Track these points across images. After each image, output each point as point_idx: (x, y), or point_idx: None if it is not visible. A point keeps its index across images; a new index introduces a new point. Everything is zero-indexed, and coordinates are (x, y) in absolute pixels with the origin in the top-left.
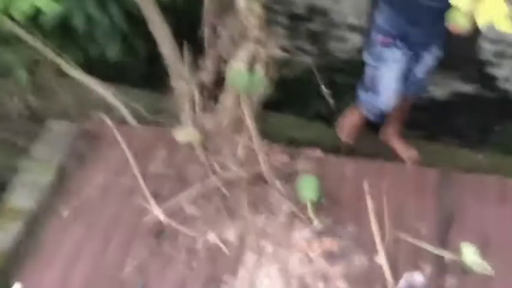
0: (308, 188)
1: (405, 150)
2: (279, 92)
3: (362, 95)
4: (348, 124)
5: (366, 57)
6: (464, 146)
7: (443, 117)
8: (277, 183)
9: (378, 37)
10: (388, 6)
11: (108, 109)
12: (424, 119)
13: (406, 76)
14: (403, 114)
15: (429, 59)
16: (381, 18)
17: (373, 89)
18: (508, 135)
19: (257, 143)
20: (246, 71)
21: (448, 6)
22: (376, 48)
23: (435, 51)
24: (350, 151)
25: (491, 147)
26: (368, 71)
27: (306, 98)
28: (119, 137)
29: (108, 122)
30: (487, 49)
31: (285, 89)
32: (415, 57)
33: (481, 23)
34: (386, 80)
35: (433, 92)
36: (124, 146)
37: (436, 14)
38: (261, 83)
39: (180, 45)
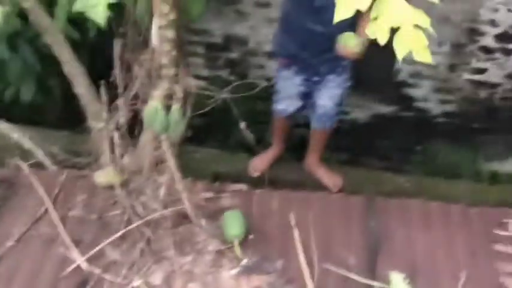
0: (233, 225)
1: (329, 178)
2: (201, 124)
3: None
4: (260, 158)
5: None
6: (388, 167)
7: (366, 140)
8: (203, 222)
9: (277, 58)
10: (281, 30)
11: (25, 153)
12: (346, 142)
13: (312, 106)
14: (320, 144)
15: (333, 85)
16: (277, 42)
17: (276, 95)
18: (429, 154)
19: (179, 182)
20: (162, 110)
21: (337, 31)
22: (277, 66)
23: (340, 78)
24: (275, 182)
25: (414, 167)
26: (275, 78)
27: (228, 128)
28: (36, 183)
29: (24, 167)
30: (403, 70)
31: (207, 120)
32: (313, 82)
33: (400, 53)
34: (284, 92)
35: (354, 114)
36: (42, 192)
37: (324, 38)
38: (178, 122)
39: (96, 84)
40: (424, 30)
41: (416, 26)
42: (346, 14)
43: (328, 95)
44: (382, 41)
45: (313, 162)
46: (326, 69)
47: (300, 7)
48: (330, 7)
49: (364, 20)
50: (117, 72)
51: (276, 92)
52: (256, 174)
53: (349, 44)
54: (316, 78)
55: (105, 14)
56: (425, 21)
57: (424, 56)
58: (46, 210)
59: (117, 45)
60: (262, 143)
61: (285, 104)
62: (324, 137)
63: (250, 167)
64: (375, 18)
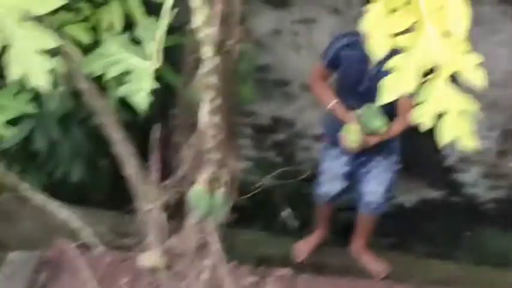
0: None
1: (375, 264)
2: (247, 206)
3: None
4: (303, 243)
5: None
6: (436, 253)
7: (413, 225)
8: None
9: (325, 136)
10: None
11: (72, 233)
12: (393, 226)
13: (358, 191)
14: (367, 229)
15: (381, 169)
16: (325, 122)
17: (319, 177)
18: (478, 240)
19: (223, 265)
20: (207, 193)
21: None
22: (324, 144)
23: (387, 160)
24: (319, 267)
25: (462, 253)
26: (320, 159)
27: (274, 211)
28: (82, 264)
29: (71, 248)
30: (452, 155)
31: (253, 202)
32: (360, 162)
33: (444, 140)
34: (328, 172)
35: (401, 198)
36: (86, 273)
37: None
38: (222, 205)
39: (146, 164)
40: (471, 116)
41: (463, 112)
42: (390, 97)
43: (377, 181)
44: (428, 125)
45: (359, 248)
46: (372, 149)
47: (347, 91)
48: (374, 91)
49: (403, 108)
50: (156, 157)
51: (320, 173)
52: (299, 259)
53: (348, 137)
54: (362, 158)
55: (148, 99)
56: (473, 107)
57: (470, 142)
58: None
59: (157, 130)
60: (307, 226)
61: (328, 186)
62: (372, 223)
63: (294, 252)
64: (422, 103)
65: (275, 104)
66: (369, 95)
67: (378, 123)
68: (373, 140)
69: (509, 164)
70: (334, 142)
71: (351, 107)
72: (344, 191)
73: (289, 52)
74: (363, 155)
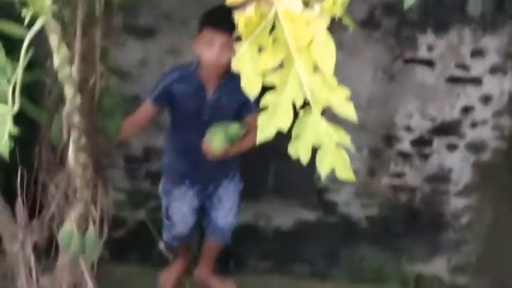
0: None
1: (222, 286)
2: (122, 240)
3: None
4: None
5: (160, 191)
6: (315, 273)
7: (291, 246)
8: None
9: (166, 177)
10: (170, 153)
11: None
12: (271, 248)
13: (208, 219)
14: (215, 256)
15: (229, 195)
16: (168, 165)
17: (169, 220)
18: (354, 258)
19: None
20: (77, 232)
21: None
22: (165, 186)
23: (233, 182)
24: None
25: (340, 272)
26: (163, 203)
27: (150, 243)
28: None
29: None
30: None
31: (128, 235)
32: (209, 192)
33: (323, 172)
34: (178, 213)
35: (277, 220)
36: None
37: (201, 148)
38: (94, 243)
39: (13, 203)
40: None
41: (338, 145)
42: (269, 134)
43: (228, 205)
44: (305, 159)
45: (205, 274)
46: (220, 175)
47: (188, 125)
48: (217, 119)
49: (250, 126)
50: (22, 197)
51: (168, 217)
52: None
53: (213, 145)
54: (210, 188)
55: (8, 145)
56: (346, 139)
57: (346, 173)
58: None
59: (22, 170)
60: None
61: (180, 227)
62: (220, 249)
63: (159, 284)
64: (297, 137)
65: (147, 134)
66: (212, 124)
67: (219, 145)
68: (233, 151)
69: (381, 183)
70: (181, 178)
71: (194, 139)
72: (195, 227)
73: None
74: (212, 182)
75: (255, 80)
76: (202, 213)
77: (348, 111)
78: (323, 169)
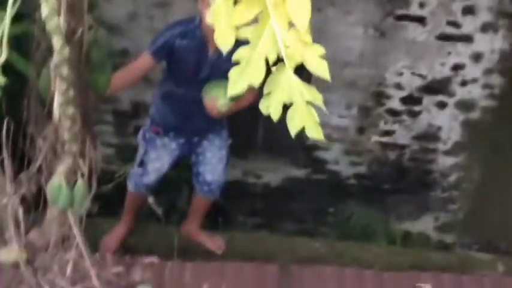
0: None
1: (210, 241)
2: (110, 194)
3: (132, 170)
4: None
5: (139, 138)
6: (303, 230)
7: (280, 203)
8: None
9: (151, 126)
10: (162, 104)
11: None
12: (261, 206)
13: (196, 174)
14: (203, 211)
15: (215, 150)
16: (153, 110)
17: (142, 167)
18: (342, 215)
19: (88, 257)
20: (65, 186)
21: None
22: (148, 134)
23: (219, 137)
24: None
25: (328, 229)
26: (140, 150)
27: None
28: None
29: None
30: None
31: (116, 190)
32: (193, 143)
33: (293, 129)
34: (155, 163)
35: (267, 178)
36: None
37: (194, 103)
38: (83, 197)
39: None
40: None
41: (309, 103)
42: (238, 89)
43: (215, 159)
44: (275, 116)
45: (193, 229)
46: (207, 128)
47: (184, 80)
48: (214, 77)
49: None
50: (8, 150)
51: (142, 163)
52: (109, 251)
53: (218, 101)
54: (195, 139)
55: None
56: (317, 98)
57: (315, 132)
58: None
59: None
60: (173, 211)
61: (152, 176)
62: (209, 205)
63: (101, 247)
64: (268, 94)
65: (135, 89)
66: (210, 80)
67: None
68: (234, 108)
69: (370, 140)
70: (167, 130)
71: (189, 94)
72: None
73: (146, 36)
74: (197, 135)
75: (229, 33)
76: (190, 170)
77: (321, 69)
78: (293, 127)
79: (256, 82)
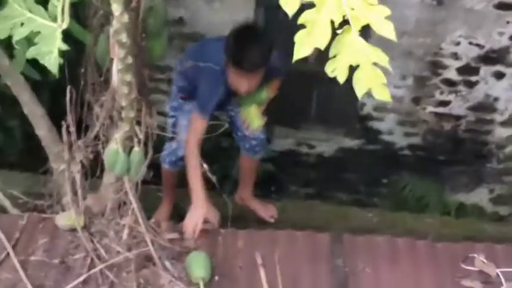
0: (198, 267)
1: (263, 209)
2: None
3: (165, 151)
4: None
5: (168, 111)
6: (356, 201)
7: (333, 173)
8: (167, 264)
9: (178, 93)
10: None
11: None
12: (314, 176)
13: (236, 131)
14: (253, 175)
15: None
16: (179, 79)
17: (175, 140)
18: (396, 186)
19: (143, 223)
20: (122, 152)
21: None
22: (176, 102)
23: None
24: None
25: (381, 200)
26: (169, 123)
27: None
28: None
29: None
30: (368, 104)
31: None
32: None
33: (359, 92)
34: (186, 127)
35: (320, 148)
36: (2, 236)
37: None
38: (139, 163)
39: (59, 124)
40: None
41: (375, 64)
42: (305, 52)
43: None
44: (341, 79)
45: (246, 196)
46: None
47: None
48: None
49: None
50: (68, 116)
51: (172, 138)
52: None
53: (253, 122)
54: (230, 107)
55: (58, 61)
56: (383, 59)
57: (383, 94)
58: (7, 255)
59: (69, 90)
60: (226, 180)
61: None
62: (256, 167)
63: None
64: (334, 56)
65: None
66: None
67: (257, 123)
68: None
69: (425, 111)
70: (192, 95)
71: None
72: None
73: (202, 5)
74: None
75: None
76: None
77: (387, 30)
78: (359, 89)
79: (322, 45)
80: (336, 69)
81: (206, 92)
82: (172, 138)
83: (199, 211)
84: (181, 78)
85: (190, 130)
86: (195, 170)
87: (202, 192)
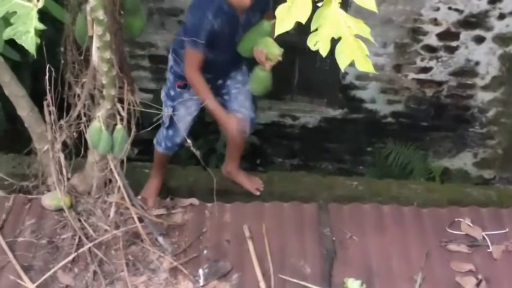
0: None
1: (249, 182)
2: (151, 138)
3: (159, 134)
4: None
5: (163, 98)
6: (341, 170)
7: (317, 144)
8: (155, 240)
9: (176, 81)
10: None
11: None
12: (298, 147)
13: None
14: (240, 150)
15: (239, 87)
16: (179, 67)
17: (173, 128)
18: (380, 154)
19: (129, 200)
20: (105, 130)
21: (237, 58)
22: (174, 91)
23: (240, 76)
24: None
25: (366, 168)
26: (166, 111)
27: None
28: None
29: None
30: (349, 73)
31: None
32: (214, 89)
33: (342, 64)
34: (185, 118)
35: (303, 119)
36: None
37: (234, 59)
38: (122, 140)
39: (40, 104)
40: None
41: (357, 36)
42: (287, 27)
43: (241, 101)
44: (324, 52)
45: (232, 169)
46: (230, 71)
47: (224, 46)
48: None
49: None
50: (49, 97)
51: (170, 126)
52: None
53: (272, 51)
54: (220, 82)
55: (35, 41)
56: (365, 30)
57: (365, 65)
58: None
59: (48, 70)
60: (212, 155)
61: (185, 132)
62: (243, 143)
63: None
64: (316, 30)
65: (170, 34)
66: (239, 40)
67: (277, 50)
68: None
69: (407, 78)
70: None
71: (230, 59)
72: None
73: None
74: (220, 79)
75: None
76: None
77: (367, 1)
78: (342, 61)
79: (304, 19)
80: (318, 42)
81: (193, 20)
82: (169, 126)
83: (231, 119)
84: (177, 63)
85: (187, 65)
86: (208, 94)
87: (221, 109)
